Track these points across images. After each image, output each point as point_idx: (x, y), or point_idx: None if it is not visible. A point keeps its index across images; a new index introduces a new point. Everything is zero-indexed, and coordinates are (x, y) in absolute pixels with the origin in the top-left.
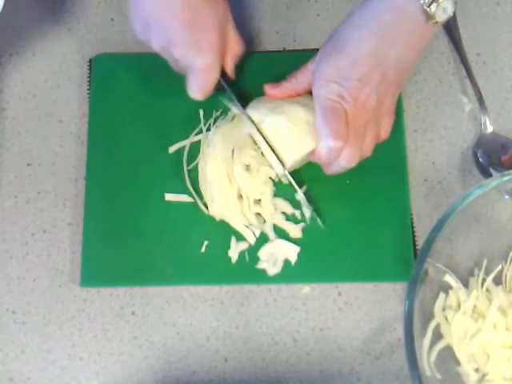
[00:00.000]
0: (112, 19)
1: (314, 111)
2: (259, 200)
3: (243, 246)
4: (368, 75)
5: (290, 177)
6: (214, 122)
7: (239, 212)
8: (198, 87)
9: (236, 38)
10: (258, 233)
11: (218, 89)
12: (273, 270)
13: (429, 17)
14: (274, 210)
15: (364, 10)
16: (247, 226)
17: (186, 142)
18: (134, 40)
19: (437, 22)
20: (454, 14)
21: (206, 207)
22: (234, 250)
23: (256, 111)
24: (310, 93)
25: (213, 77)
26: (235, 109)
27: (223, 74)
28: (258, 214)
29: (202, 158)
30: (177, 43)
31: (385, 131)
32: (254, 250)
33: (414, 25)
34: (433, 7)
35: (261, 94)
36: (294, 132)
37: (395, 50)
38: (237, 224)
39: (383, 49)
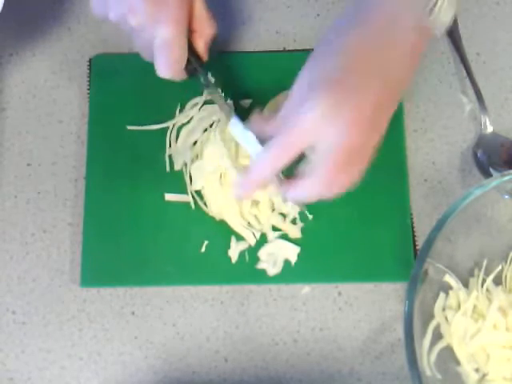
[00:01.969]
0: None
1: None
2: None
3: (243, 245)
4: (360, 88)
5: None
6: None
7: (238, 213)
8: (164, 63)
9: (205, 17)
10: (258, 234)
11: (193, 73)
12: (273, 270)
13: (425, 25)
14: (272, 212)
15: (339, 21)
16: (247, 227)
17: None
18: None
19: (434, 34)
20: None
21: (206, 207)
22: (234, 250)
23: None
24: None
25: (179, 51)
26: (210, 93)
27: (196, 56)
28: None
29: (199, 160)
30: (136, 11)
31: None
32: (253, 250)
33: (407, 37)
34: (431, 18)
35: (260, 94)
36: None
37: (384, 57)
38: (236, 225)
39: (375, 59)
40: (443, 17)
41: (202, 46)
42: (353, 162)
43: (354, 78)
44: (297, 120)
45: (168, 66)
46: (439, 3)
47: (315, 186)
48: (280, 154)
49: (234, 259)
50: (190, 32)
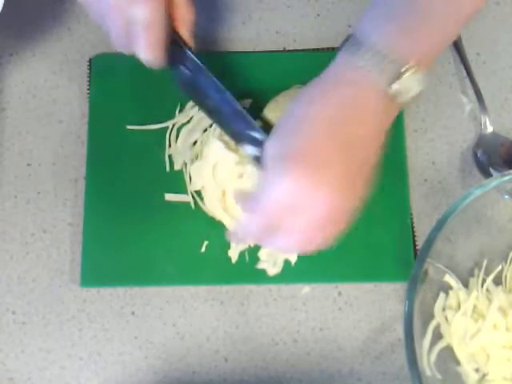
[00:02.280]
0: None
1: None
2: None
3: (243, 245)
4: (327, 160)
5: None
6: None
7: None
8: (144, 44)
9: (184, 4)
10: None
11: (178, 61)
12: (273, 270)
13: (389, 96)
14: None
15: (308, 87)
16: None
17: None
18: None
19: (399, 102)
20: None
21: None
22: (234, 250)
23: (279, 112)
24: None
25: (159, 31)
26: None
27: (180, 41)
28: None
29: (199, 160)
30: None
31: None
32: (254, 250)
33: (371, 100)
34: (394, 86)
35: (260, 94)
36: None
37: (352, 131)
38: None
39: (337, 126)
40: (409, 86)
41: (186, 33)
42: (325, 226)
43: (317, 154)
44: (267, 197)
45: (148, 46)
46: (404, 75)
47: (289, 244)
48: (257, 229)
49: (234, 259)
50: (172, 20)
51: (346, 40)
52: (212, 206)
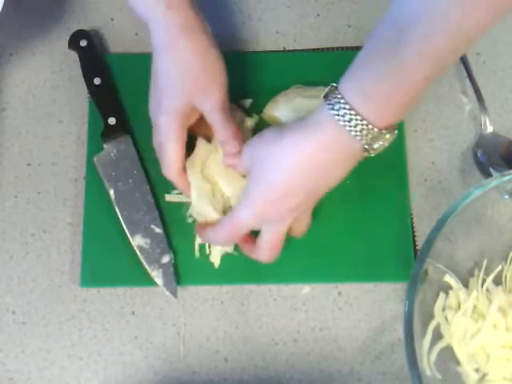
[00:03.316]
0: (112, 19)
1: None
2: None
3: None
4: (299, 204)
5: None
6: None
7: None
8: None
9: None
10: None
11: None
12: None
13: (367, 151)
14: None
15: (294, 142)
16: None
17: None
18: (134, 40)
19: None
20: None
21: None
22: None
23: (279, 112)
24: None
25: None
26: None
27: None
28: None
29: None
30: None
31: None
32: None
33: (349, 157)
34: (375, 145)
35: (260, 94)
36: None
37: (327, 179)
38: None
39: (315, 182)
40: (383, 144)
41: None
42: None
43: (287, 190)
44: (236, 219)
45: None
46: (380, 137)
47: (265, 254)
48: (228, 237)
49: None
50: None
51: (329, 91)
52: (200, 201)
